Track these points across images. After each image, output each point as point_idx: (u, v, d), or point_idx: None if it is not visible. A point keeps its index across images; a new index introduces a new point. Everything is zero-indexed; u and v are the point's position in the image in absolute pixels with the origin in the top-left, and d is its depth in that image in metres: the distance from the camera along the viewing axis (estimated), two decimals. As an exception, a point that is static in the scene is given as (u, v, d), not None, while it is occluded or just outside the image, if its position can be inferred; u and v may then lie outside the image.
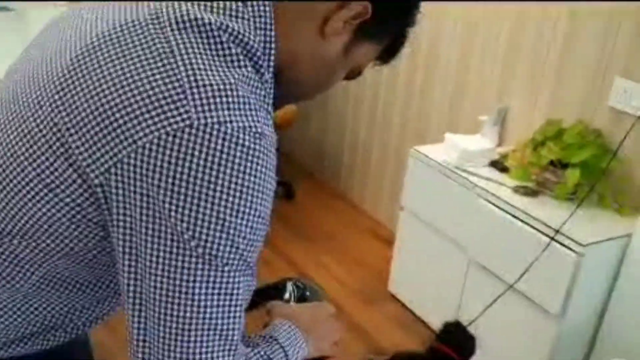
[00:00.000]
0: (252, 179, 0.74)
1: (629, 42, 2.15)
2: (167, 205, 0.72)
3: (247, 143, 0.73)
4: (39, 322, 0.93)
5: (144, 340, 0.79)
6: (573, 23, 2.31)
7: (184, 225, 0.73)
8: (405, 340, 2.57)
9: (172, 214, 0.72)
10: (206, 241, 0.73)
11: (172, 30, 0.77)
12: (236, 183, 0.73)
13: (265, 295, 1.10)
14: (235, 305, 0.78)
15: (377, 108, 3.36)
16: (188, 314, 0.76)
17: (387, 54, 0.94)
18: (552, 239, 2.00)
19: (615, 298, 2.08)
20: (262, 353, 0.88)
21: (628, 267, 2.04)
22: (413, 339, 2.57)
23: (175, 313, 0.75)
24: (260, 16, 0.80)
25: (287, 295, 1.13)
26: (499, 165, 2.40)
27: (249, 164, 0.74)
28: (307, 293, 1.16)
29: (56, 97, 0.78)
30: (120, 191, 0.74)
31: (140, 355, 0.79)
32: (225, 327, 0.78)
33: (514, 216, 2.14)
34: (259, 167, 0.75)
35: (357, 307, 2.75)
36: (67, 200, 0.78)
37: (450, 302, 2.47)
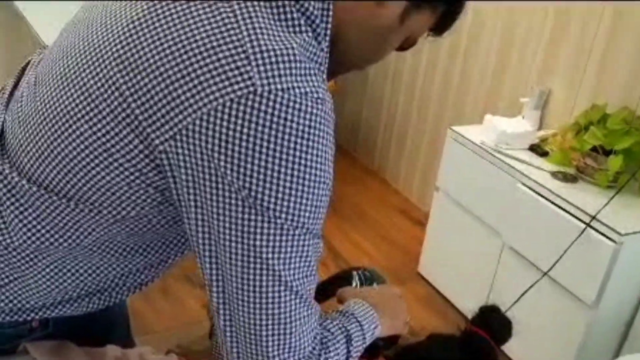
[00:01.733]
0: (316, 144, 0.75)
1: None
2: (234, 172, 0.73)
3: (309, 109, 0.74)
4: (87, 285, 0.94)
5: (224, 303, 0.81)
6: (621, 6, 2.24)
7: (252, 191, 0.74)
8: (433, 322, 2.56)
9: (239, 180, 0.73)
10: (276, 208, 0.75)
11: None
12: (300, 150, 0.74)
13: (333, 286, 1.12)
14: (308, 266, 0.80)
15: (415, 86, 3.32)
16: (264, 276, 0.77)
17: (442, 25, 0.92)
18: (588, 225, 1.95)
19: (653, 290, 2.04)
20: (340, 325, 0.91)
21: (667, 258, 1.99)
22: (441, 320, 2.56)
23: (251, 276, 0.77)
24: None
25: (354, 284, 1.15)
26: (538, 149, 2.36)
27: (312, 130, 0.74)
28: (374, 280, 1.18)
29: (118, 60, 0.78)
30: (187, 158, 0.74)
31: (222, 318, 0.82)
32: (299, 287, 0.80)
33: (551, 202, 2.10)
34: (321, 133, 0.75)
35: (386, 286, 2.74)
36: (127, 165, 0.78)
37: (481, 287, 2.44)
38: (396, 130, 3.51)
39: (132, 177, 0.79)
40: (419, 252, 2.83)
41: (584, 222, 1.97)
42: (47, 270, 0.90)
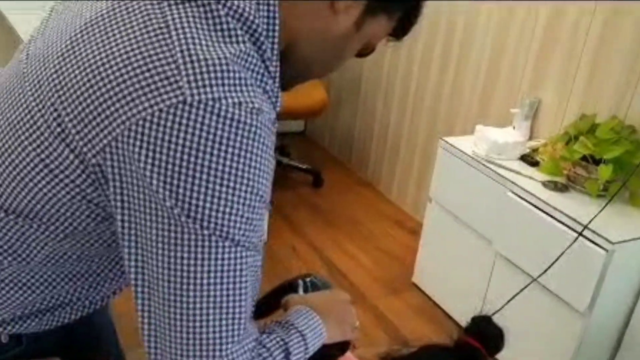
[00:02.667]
0: (248, 154, 0.73)
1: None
2: (161, 184, 0.71)
3: (242, 119, 0.72)
4: (46, 299, 0.93)
5: (149, 323, 0.78)
6: (610, 17, 2.27)
7: (180, 204, 0.71)
8: (427, 331, 2.57)
9: (167, 192, 0.71)
10: (203, 220, 0.72)
11: (169, 5, 0.76)
12: (231, 160, 0.72)
13: (279, 296, 1.08)
14: (240, 283, 0.77)
15: (407, 98, 3.34)
16: (191, 292, 0.74)
17: (400, 30, 0.91)
18: (580, 234, 1.97)
19: (644, 297, 2.06)
20: (277, 339, 0.86)
21: (658, 266, 2.01)
22: (435, 330, 2.57)
23: (178, 292, 0.74)
24: None
25: (300, 292, 1.11)
26: (529, 159, 2.38)
27: (244, 140, 0.72)
28: (320, 288, 1.13)
29: (54, 76, 0.78)
30: (116, 170, 0.73)
31: (146, 336, 0.78)
32: (229, 304, 0.76)
33: (542, 211, 2.12)
34: (255, 143, 0.73)
35: (380, 296, 2.75)
36: (67, 181, 0.78)
37: (475, 296, 2.45)
38: (389, 142, 3.53)
39: (72, 193, 0.78)
40: (414, 262, 2.84)
41: (576, 232, 1.99)
42: (2, 285, 0.89)
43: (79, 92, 0.75)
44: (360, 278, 2.86)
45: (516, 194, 2.21)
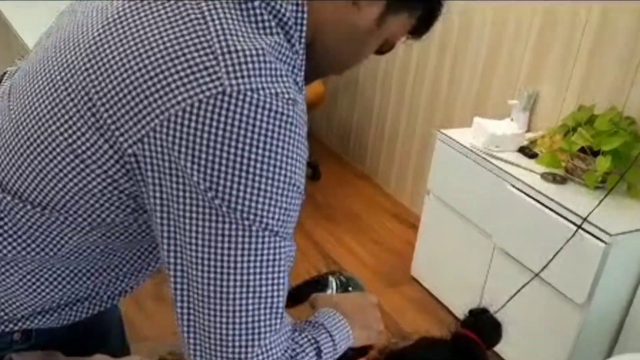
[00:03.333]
0: (286, 145, 0.73)
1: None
2: (202, 175, 0.71)
3: (280, 109, 0.72)
4: (66, 295, 0.93)
5: (187, 313, 0.78)
6: (609, 7, 2.26)
7: (221, 194, 0.72)
8: (426, 324, 2.56)
9: (208, 183, 0.71)
10: (244, 210, 0.73)
11: None
12: (270, 150, 0.72)
13: (308, 290, 1.08)
14: (278, 272, 0.77)
15: (404, 90, 3.33)
16: (231, 282, 0.75)
17: (420, 27, 0.91)
18: (579, 227, 1.96)
19: (643, 289, 2.05)
20: (309, 337, 0.87)
21: (657, 258, 2.01)
22: (434, 323, 2.56)
23: (218, 283, 0.75)
24: None
25: (329, 291, 1.12)
26: (527, 151, 2.37)
27: (282, 131, 0.73)
28: (350, 287, 1.15)
29: (87, 65, 0.77)
30: (155, 160, 0.73)
31: (185, 327, 0.79)
32: (268, 294, 0.77)
33: (541, 203, 2.11)
34: (292, 134, 0.74)
35: (378, 289, 2.75)
36: (99, 171, 0.77)
37: (473, 289, 2.45)
38: (387, 135, 3.52)
39: (104, 184, 0.78)
40: (412, 255, 2.84)
41: (575, 224, 1.98)
42: (25, 280, 0.89)
43: (115, 82, 0.74)
44: (358, 271, 2.86)
45: (514, 187, 2.20)
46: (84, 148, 0.77)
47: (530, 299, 2.16)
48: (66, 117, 0.78)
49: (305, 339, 0.87)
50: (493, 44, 2.75)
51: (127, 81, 0.74)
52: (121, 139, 0.74)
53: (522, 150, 2.38)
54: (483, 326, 1.29)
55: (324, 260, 2.92)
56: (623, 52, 2.22)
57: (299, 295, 1.08)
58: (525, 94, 2.52)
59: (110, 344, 1.20)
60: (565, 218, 2.02)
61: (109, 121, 0.74)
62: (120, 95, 0.74)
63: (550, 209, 2.07)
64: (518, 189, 2.19)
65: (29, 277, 0.89)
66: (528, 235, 2.17)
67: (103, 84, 0.75)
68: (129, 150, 0.74)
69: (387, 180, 3.57)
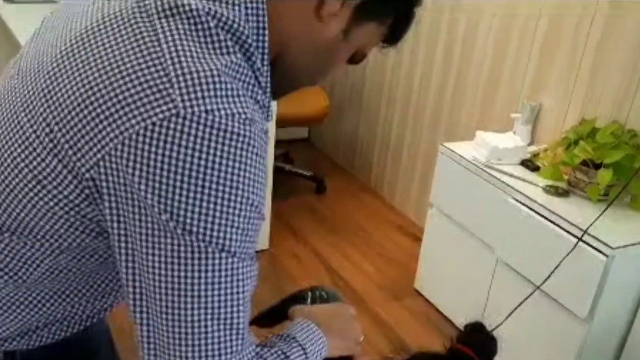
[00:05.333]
0: (242, 165, 0.72)
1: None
2: (156, 198, 0.70)
3: (235, 129, 0.71)
4: (43, 316, 0.93)
5: (148, 337, 0.78)
6: (611, 20, 2.26)
7: (175, 217, 0.71)
8: (429, 337, 2.55)
9: (162, 206, 0.71)
10: (199, 232, 0.72)
11: (158, 18, 0.75)
12: (225, 172, 0.71)
13: (288, 307, 1.08)
14: (237, 293, 0.76)
15: (409, 104, 3.34)
16: (189, 305, 0.74)
17: (392, 36, 0.89)
18: (580, 239, 1.96)
19: (646, 303, 2.04)
20: (279, 352, 0.86)
21: (660, 271, 2.00)
22: (437, 336, 2.55)
23: (177, 306, 0.74)
24: (252, 1, 0.78)
25: (308, 303, 1.11)
26: (530, 164, 2.36)
27: (238, 151, 0.72)
28: (329, 301, 1.14)
29: (45, 91, 0.78)
30: (112, 184, 0.73)
31: (146, 350, 0.78)
32: (227, 315, 0.76)
33: (543, 216, 2.10)
34: (249, 154, 0.73)
35: (382, 302, 2.74)
36: (60, 197, 0.77)
37: (476, 302, 2.44)
38: (392, 148, 3.53)
39: (66, 209, 0.78)
40: (416, 268, 2.83)
41: (576, 237, 1.98)
42: (0, 304, 0.88)
43: (70, 107, 0.74)
44: (362, 284, 2.86)
45: (517, 200, 2.20)
46: (44, 174, 0.77)
47: (533, 313, 2.15)
48: (26, 143, 0.78)
49: (275, 355, 0.85)
50: (496, 57, 2.76)
51: (82, 105, 0.73)
52: (78, 163, 0.74)
53: (525, 163, 2.38)
54: (478, 341, 1.29)
55: (329, 274, 2.92)
56: (626, 65, 2.22)
57: (279, 313, 1.08)
58: (527, 107, 2.52)
59: (101, 358, 1.19)
60: (567, 231, 2.01)
61: (66, 146, 0.74)
62: (76, 119, 0.73)
63: (552, 222, 2.07)
64: (520, 202, 2.18)
65: (4, 301, 0.88)
66: (530, 248, 2.17)
67: (60, 109, 0.75)
68: (87, 175, 0.74)
69: (393, 193, 3.58)
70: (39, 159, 0.77)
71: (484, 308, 2.41)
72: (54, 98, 0.76)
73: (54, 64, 0.79)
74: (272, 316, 1.10)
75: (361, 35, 0.85)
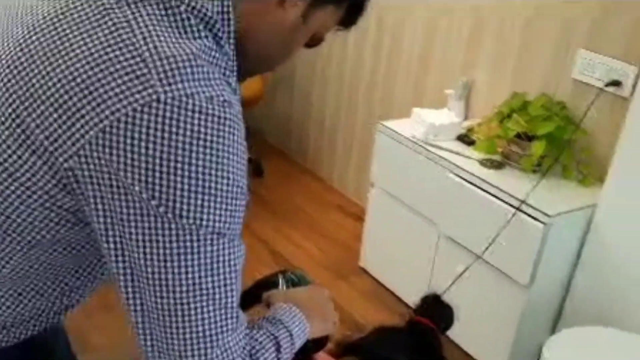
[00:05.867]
0: (225, 147, 0.73)
1: (592, 14, 2.18)
2: (143, 184, 0.71)
3: (216, 112, 0.72)
4: (12, 315, 0.91)
5: (143, 323, 0.78)
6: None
7: (164, 202, 0.71)
8: (378, 314, 2.60)
9: (150, 192, 0.71)
10: (189, 216, 0.73)
11: (127, 3, 0.75)
12: (210, 154, 0.72)
13: (259, 291, 1.10)
14: (229, 272, 0.78)
15: (343, 83, 3.36)
16: (183, 288, 0.75)
17: (349, 18, 0.92)
18: (518, 209, 2.04)
19: (581, 267, 2.14)
20: (268, 333, 0.88)
21: (592, 236, 2.10)
22: (386, 312, 2.61)
23: (170, 289, 0.75)
24: None
25: (280, 288, 1.13)
26: (465, 138, 2.43)
27: (220, 133, 0.73)
28: (300, 284, 1.16)
29: (11, 82, 0.76)
30: (93, 173, 0.72)
31: (142, 337, 0.79)
32: (222, 295, 0.78)
33: (481, 188, 2.17)
34: (230, 136, 0.74)
35: (328, 283, 2.77)
36: (34, 188, 0.76)
37: (421, 276, 2.50)
38: (327, 128, 3.55)
39: (41, 201, 0.77)
40: (360, 247, 2.87)
41: (514, 207, 2.05)
42: None
43: (44, 96, 0.73)
44: (307, 266, 2.88)
45: (455, 174, 2.26)
46: (17, 166, 0.76)
47: (477, 283, 2.23)
48: None
49: (264, 336, 0.88)
50: (428, 34, 2.81)
51: (57, 95, 0.72)
52: (56, 153, 0.73)
53: (461, 138, 2.44)
54: (436, 311, 1.34)
55: (273, 257, 2.93)
56: (553, 39, 2.31)
57: (250, 298, 1.09)
58: (460, 82, 2.58)
59: (56, 357, 1.17)
60: (505, 202, 2.09)
61: (41, 137, 0.73)
62: (51, 110, 0.72)
63: (490, 194, 2.14)
64: (459, 176, 2.25)
65: None
66: (471, 220, 2.24)
67: (31, 100, 0.74)
68: (65, 165, 0.73)
69: (331, 174, 3.60)
70: (9, 152, 0.75)
71: (429, 281, 2.47)
72: (23, 89, 0.74)
73: (18, 53, 0.77)
74: (243, 301, 1.12)
75: (319, 19, 0.87)
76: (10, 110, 0.75)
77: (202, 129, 0.71)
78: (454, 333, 2.33)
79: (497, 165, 2.27)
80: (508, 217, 2.06)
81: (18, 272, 0.85)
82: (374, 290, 2.76)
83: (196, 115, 0.71)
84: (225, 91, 0.75)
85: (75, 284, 0.94)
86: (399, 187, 2.56)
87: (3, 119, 0.75)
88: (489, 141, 2.31)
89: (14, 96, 0.75)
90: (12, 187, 0.77)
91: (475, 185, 2.19)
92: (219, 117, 0.72)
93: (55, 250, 0.84)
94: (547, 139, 2.11)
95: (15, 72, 0.76)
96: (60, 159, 0.73)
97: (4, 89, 0.76)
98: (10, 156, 0.75)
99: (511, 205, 2.07)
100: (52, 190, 0.76)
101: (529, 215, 2.03)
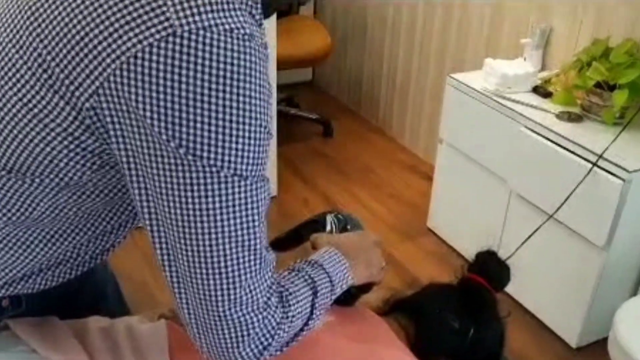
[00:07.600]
0: (247, 85, 0.70)
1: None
2: (162, 124, 0.68)
3: (235, 47, 0.68)
4: (45, 257, 0.91)
5: (170, 265, 0.78)
6: None
7: (185, 143, 0.69)
8: (444, 275, 2.49)
9: (170, 133, 0.69)
10: (210, 157, 0.71)
11: None
12: (230, 92, 0.69)
13: (307, 231, 1.10)
14: (252, 215, 0.76)
15: (414, 36, 3.22)
16: (206, 230, 0.74)
17: None
18: (595, 164, 1.88)
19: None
20: (305, 277, 0.88)
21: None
22: (451, 273, 2.50)
23: (194, 232, 0.74)
24: None
25: (328, 228, 1.13)
26: (541, 90, 2.26)
27: (241, 69, 0.69)
28: (348, 225, 1.15)
29: (32, 19, 0.74)
30: (114, 112, 0.70)
31: (169, 279, 0.79)
32: (245, 237, 0.76)
33: (557, 144, 2.02)
34: (251, 72, 0.70)
35: (395, 243, 2.69)
36: (59, 130, 0.75)
37: (491, 237, 2.37)
38: (398, 85, 3.43)
39: (65, 143, 0.76)
40: (428, 207, 2.77)
41: (591, 162, 1.89)
42: (1, 245, 0.87)
43: (62, 34, 0.71)
44: (374, 226, 2.80)
45: (529, 128, 2.11)
46: (40, 107, 0.74)
47: (550, 243, 2.09)
48: (17, 77, 0.75)
49: (302, 279, 0.87)
50: (502, -19, 2.63)
51: (74, 31, 0.70)
52: (77, 93, 0.71)
53: (536, 90, 2.28)
54: (490, 269, 1.24)
55: (338, 215, 2.87)
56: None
57: (297, 237, 1.10)
58: (537, 30, 2.40)
59: (106, 307, 1.19)
60: (582, 157, 1.93)
61: (61, 76, 0.71)
62: (69, 47, 0.70)
63: (567, 149, 1.98)
64: (532, 130, 2.10)
65: (4, 242, 0.87)
66: (544, 178, 2.09)
67: (50, 38, 0.72)
68: (87, 104, 0.71)
69: (401, 132, 3.49)
70: (32, 92, 0.74)
71: (499, 242, 2.35)
72: (42, 27, 0.73)
73: None
74: (287, 241, 1.13)
75: None
76: (32, 50, 0.74)
77: (222, 65, 0.68)
78: (524, 296, 2.23)
79: (575, 118, 2.10)
80: (584, 173, 1.90)
81: (49, 215, 0.85)
82: (442, 252, 2.66)
83: (214, 49, 0.67)
84: (247, 23, 0.70)
85: (107, 228, 0.93)
86: (469, 143, 2.43)
87: (26, 58, 0.74)
88: (567, 92, 2.15)
89: (36, 36, 0.73)
90: (37, 129, 0.76)
91: (550, 140, 2.04)
92: (239, 52, 0.68)
93: (83, 193, 0.83)
94: (630, 88, 1.93)
95: (37, 12, 0.74)
96: (82, 99, 0.71)
97: (27, 31, 0.74)
98: (34, 97, 0.74)
99: (588, 161, 1.91)
100: (76, 132, 0.74)
101: (607, 171, 1.87)
